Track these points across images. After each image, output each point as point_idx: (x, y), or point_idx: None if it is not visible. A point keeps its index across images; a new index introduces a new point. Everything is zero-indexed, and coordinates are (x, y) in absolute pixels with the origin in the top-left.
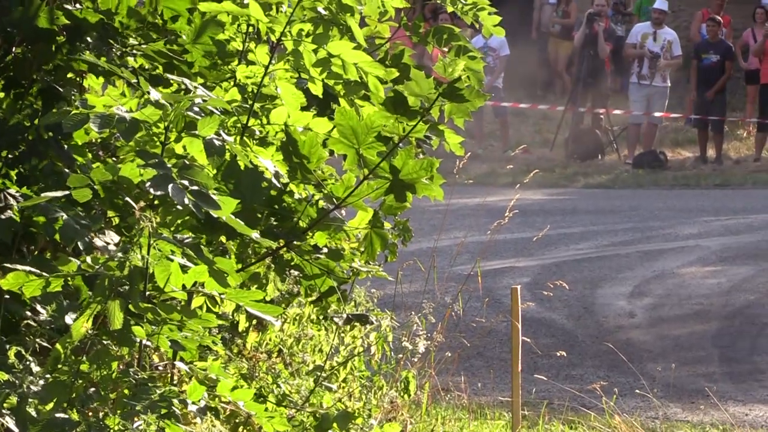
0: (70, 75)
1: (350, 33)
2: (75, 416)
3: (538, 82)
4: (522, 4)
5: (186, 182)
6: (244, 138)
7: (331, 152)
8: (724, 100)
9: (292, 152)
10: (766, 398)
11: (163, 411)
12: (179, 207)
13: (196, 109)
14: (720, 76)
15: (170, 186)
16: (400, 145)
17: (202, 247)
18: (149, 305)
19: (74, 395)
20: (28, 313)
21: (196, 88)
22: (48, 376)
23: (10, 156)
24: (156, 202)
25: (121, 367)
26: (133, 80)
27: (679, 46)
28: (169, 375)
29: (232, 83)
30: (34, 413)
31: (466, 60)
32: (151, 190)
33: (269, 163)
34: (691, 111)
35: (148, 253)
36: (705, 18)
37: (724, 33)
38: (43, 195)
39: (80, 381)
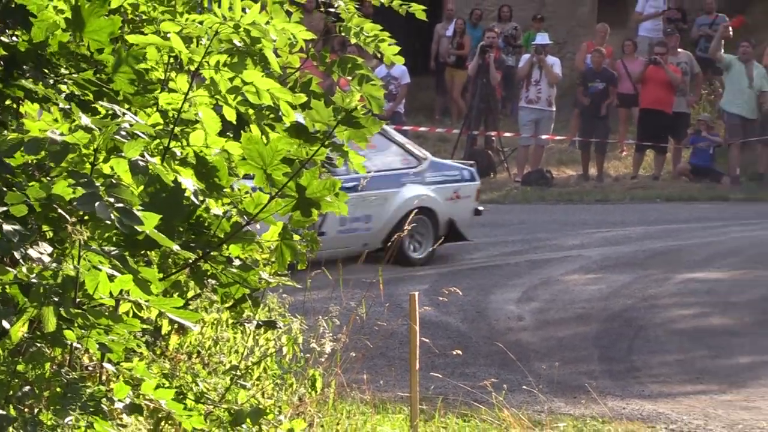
0: (8, 102)
1: (265, 62)
2: (12, 412)
3: (436, 108)
4: (421, 37)
5: (112, 199)
6: (167, 159)
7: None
8: (607, 123)
9: (205, 173)
10: (641, 393)
11: (92, 408)
12: (107, 222)
13: (122, 132)
14: (604, 102)
15: (96, 204)
16: (307, 166)
17: (127, 257)
18: (79, 311)
19: (11, 393)
20: None
21: (123, 114)
22: None
23: None
24: (86, 217)
25: (53, 368)
26: (67, 106)
27: (560, 67)
28: (98, 375)
29: (155, 109)
30: None
31: (367, 87)
32: (79, 208)
33: (189, 181)
34: (575, 133)
35: (78, 264)
36: (590, 49)
37: (607, 63)
38: None
39: (16, 380)
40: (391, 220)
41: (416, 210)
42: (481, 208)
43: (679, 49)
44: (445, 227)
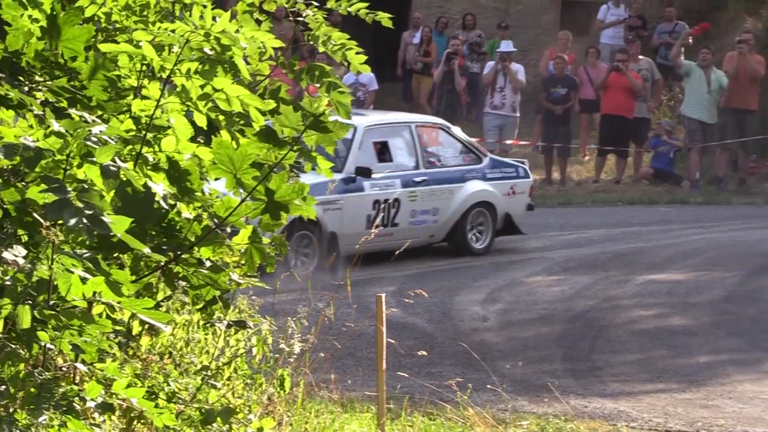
0: None
1: (235, 69)
2: None
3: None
4: (389, 44)
5: (83, 205)
6: (139, 164)
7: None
8: (569, 128)
9: (177, 177)
10: (602, 392)
11: (65, 407)
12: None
13: (93, 138)
14: (566, 106)
15: (65, 211)
16: (276, 170)
17: (99, 260)
18: (53, 312)
19: None
20: None
21: (94, 121)
22: None
23: None
24: (59, 221)
25: (27, 368)
26: (41, 112)
27: (524, 74)
28: (72, 375)
29: (128, 115)
30: None
31: (335, 94)
32: (49, 215)
33: (160, 186)
34: (538, 138)
35: (51, 266)
36: (552, 56)
37: (569, 69)
38: None
39: None
40: (456, 213)
41: (478, 204)
42: (533, 203)
43: (640, 56)
44: (502, 221)
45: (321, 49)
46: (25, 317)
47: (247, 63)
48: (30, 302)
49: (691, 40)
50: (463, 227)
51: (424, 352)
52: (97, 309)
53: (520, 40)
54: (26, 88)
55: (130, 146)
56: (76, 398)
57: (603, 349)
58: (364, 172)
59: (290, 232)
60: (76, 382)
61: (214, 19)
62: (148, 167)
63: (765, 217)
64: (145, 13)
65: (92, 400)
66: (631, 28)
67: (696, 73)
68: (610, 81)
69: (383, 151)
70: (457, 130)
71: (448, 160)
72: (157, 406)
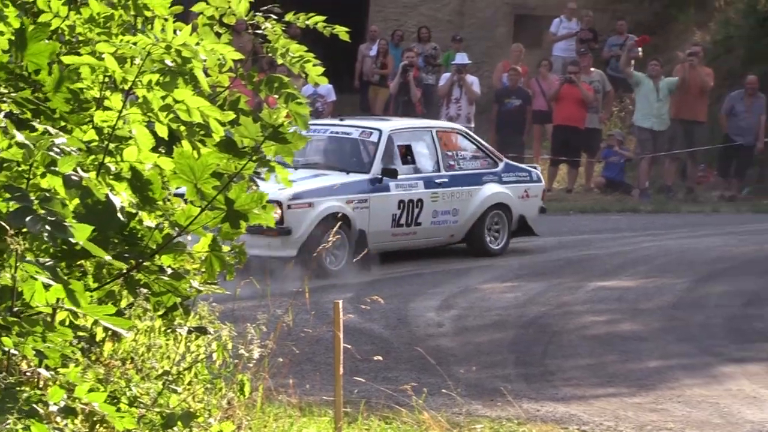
0: None
1: (195, 81)
2: None
3: None
4: (346, 57)
5: (45, 212)
6: (101, 173)
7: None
8: (523, 138)
9: (139, 186)
10: (554, 396)
11: (27, 412)
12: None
13: (56, 149)
14: (520, 118)
15: (27, 219)
16: (235, 180)
17: (57, 269)
18: (15, 319)
19: None
20: None
21: (57, 133)
22: None
23: None
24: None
25: None
26: (2, 124)
27: (479, 86)
28: (35, 380)
29: (90, 126)
30: None
31: (293, 105)
32: (12, 222)
33: (118, 199)
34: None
35: (15, 273)
36: (506, 68)
37: (522, 81)
38: None
39: None
40: (475, 215)
41: (495, 206)
42: (545, 206)
43: (592, 69)
44: (516, 222)
45: (280, 61)
46: None
47: (208, 75)
48: None
49: (640, 52)
50: (481, 228)
51: (380, 357)
52: (61, 315)
53: (474, 53)
54: None
55: (93, 156)
56: (39, 403)
57: (555, 354)
58: (391, 173)
59: (323, 230)
60: (40, 387)
61: (175, 32)
62: (111, 176)
63: (713, 225)
64: (108, 25)
65: (55, 404)
66: (582, 41)
67: (645, 83)
68: (563, 93)
69: (406, 154)
70: (474, 135)
71: (466, 164)
72: (119, 410)
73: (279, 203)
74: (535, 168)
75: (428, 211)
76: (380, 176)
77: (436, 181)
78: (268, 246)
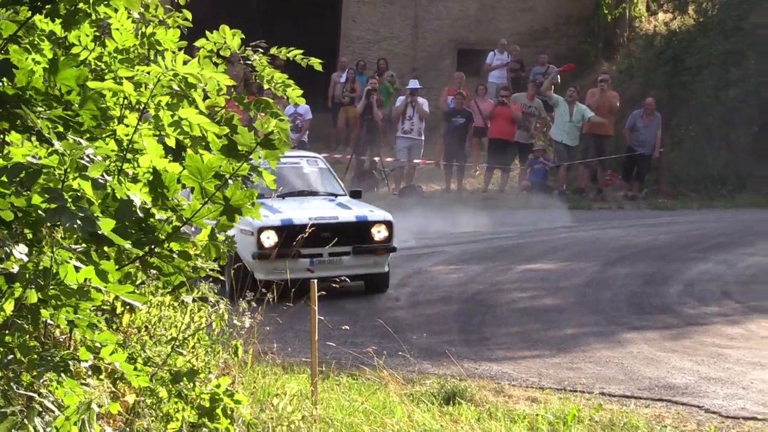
0: None
1: (195, 103)
2: None
3: (333, 138)
4: (321, 83)
5: (77, 209)
6: (120, 177)
7: (184, 186)
8: (465, 149)
9: (157, 186)
10: (490, 357)
11: (62, 368)
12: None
13: (86, 157)
14: (463, 133)
15: (63, 215)
16: (232, 179)
17: (91, 253)
18: (55, 292)
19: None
20: None
21: (87, 144)
22: None
23: None
24: (58, 222)
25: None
26: (47, 133)
27: (428, 106)
28: (67, 345)
29: (112, 138)
30: None
31: (276, 121)
32: (51, 218)
33: (136, 196)
34: (440, 157)
35: (52, 258)
36: (451, 92)
37: (465, 103)
38: None
39: (3, 349)
40: None
41: None
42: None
43: (536, 98)
44: None
45: (266, 86)
46: (33, 295)
47: (207, 97)
48: (34, 286)
49: (559, 79)
50: None
51: (348, 327)
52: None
53: (425, 79)
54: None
55: (114, 162)
56: (71, 361)
57: (490, 323)
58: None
59: None
60: (71, 350)
61: (184, 63)
62: (129, 179)
63: (618, 219)
64: (130, 53)
65: (85, 361)
66: (512, 70)
67: (562, 105)
68: (496, 112)
69: None
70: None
71: None
72: (135, 369)
73: (390, 224)
74: None
75: None
76: None
77: None
78: (374, 264)
